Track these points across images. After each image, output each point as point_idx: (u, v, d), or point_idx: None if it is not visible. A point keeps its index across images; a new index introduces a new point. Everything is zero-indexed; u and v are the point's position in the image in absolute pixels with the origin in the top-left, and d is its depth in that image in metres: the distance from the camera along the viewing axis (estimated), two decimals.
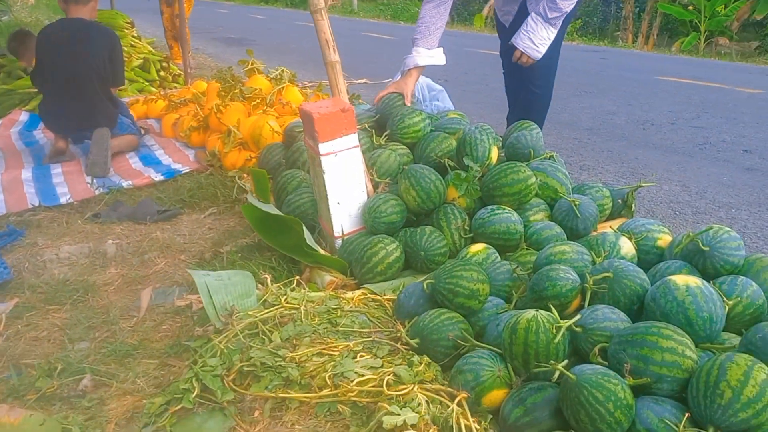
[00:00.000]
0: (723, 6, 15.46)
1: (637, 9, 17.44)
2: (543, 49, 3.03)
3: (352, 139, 2.42)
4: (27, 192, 3.31)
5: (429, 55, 3.04)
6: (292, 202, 2.67)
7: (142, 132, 4.41)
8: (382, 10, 23.54)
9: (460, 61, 8.34)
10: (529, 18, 3.03)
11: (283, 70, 4.28)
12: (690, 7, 15.81)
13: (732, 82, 7.18)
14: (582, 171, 3.67)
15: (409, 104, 3.03)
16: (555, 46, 3.14)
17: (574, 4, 2.98)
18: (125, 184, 3.50)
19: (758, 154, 4.01)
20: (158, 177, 3.65)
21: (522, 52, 3.04)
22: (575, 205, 2.36)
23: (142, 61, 6.15)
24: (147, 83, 6.05)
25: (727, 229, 1.86)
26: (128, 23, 6.40)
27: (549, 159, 2.77)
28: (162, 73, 6.34)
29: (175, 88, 6.22)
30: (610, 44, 14.87)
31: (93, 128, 3.78)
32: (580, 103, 5.74)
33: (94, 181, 3.50)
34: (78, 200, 3.26)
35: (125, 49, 6.14)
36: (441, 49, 3.08)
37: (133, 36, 6.40)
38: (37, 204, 3.12)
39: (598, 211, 2.49)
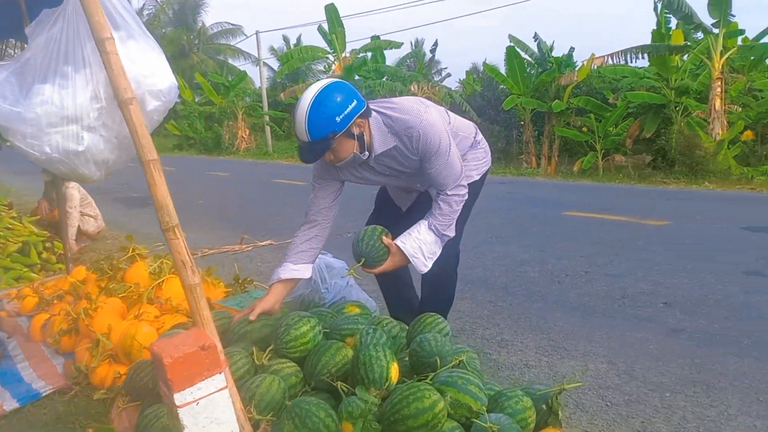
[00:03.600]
0: (614, 125, 16.50)
1: (537, 132, 18.40)
2: (431, 264, 2.75)
3: (219, 380, 1.98)
4: None
5: (293, 269, 2.77)
6: None
7: (6, 336, 3.83)
8: (297, 149, 23.92)
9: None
10: (423, 224, 2.75)
11: (162, 261, 3.85)
12: (584, 129, 16.78)
13: (637, 212, 7.30)
14: (500, 348, 3.34)
15: (254, 318, 2.67)
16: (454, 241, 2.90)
17: (460, 210, 2.78)
18: None
19: (679, 308, 3.82)
20: (13, 404, 3.07)
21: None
22: None
23: (20, 245, 5.59)
24: (27, 269, 5.46)
25: None
26: (4, 205, 5.89)
27: (459, 365, 2.42)
28: (45, 255, 5.77)
29: (60, 271, 5.66)
30: (515, 170, 15.40)
31: None
32: (492, 252, 5.56)
33: None
34: None
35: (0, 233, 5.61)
36: (310, 265, 2.83)
37: (11, 217, 5.87)
38: None
39: (520, 429, 2.11)
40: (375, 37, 21.99)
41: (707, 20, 12.51)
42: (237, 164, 19.84)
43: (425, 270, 2.76)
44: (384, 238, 2.73)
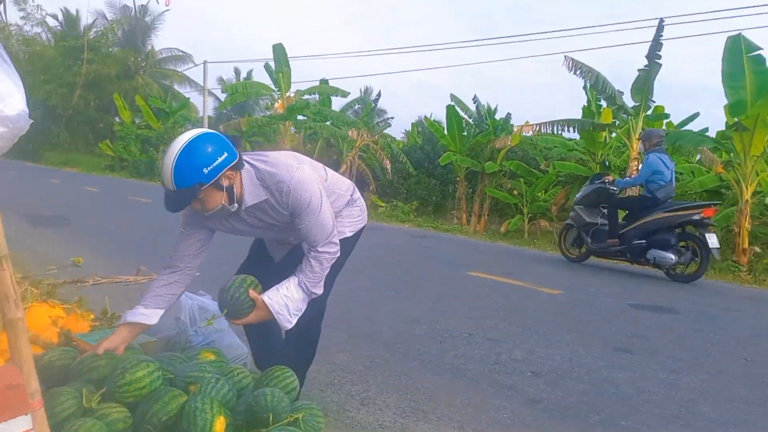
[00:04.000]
0: (543, 191, 17.10)
1: (471, 190, 18.85)
2: (295, 320, 2.78)
3: (24, 421, 1.92)
4: None
5: (142, 313, 2.76)
6: None
7: None
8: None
9: None
10: (293, 280, 2.78)
11: (27, 288, 3.72)
12: (514, 192, 17.32)
13: (538, 279, 7.52)
14: (362, 406, 3.35)
15: (101, 353, 2.65)
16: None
17: (329, 268, 2.82)
18: None
19: (543, 378, 3.93)
20: None
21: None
22: None
23: None
24: None
25: None
26: None
27: (294, 422, 2.42)
28: None
29: None
30: (444, 226, 15.65)
31: None
32: (387, 306, 5.61)
33: None
34: None
35: None
36: (160, 312, 2.81)
37: None
38: None
39: None
40: (323, 81, 22.32)
41: (631, 103, 13.21)
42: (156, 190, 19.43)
43: (289, 326, 2.78)
44: (251, 291, 2.72)
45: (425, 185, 20.48)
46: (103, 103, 32.81)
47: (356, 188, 3.21)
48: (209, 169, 2.43)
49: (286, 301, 2.72)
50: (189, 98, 33.99)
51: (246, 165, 2.66)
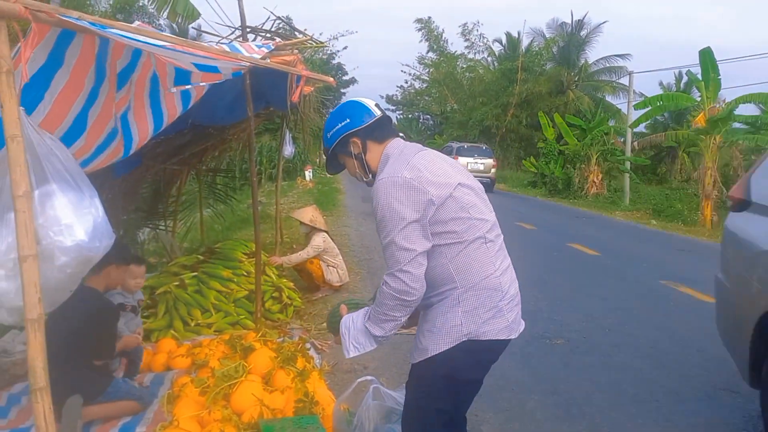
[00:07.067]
0: None
1: None
2: (353, 351, 2.43)
3: None
4: None
5: None
6: None
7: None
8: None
9: None
10: (367, 308, 2.48)
11: (240, 363, 3.82)
12: None
13: None
14: None
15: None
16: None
17: (393, 308, 2.29)
18: None
19: None
20: None
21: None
22: None
23: (247, 292, 6.14)
24: (245, 315, 5.97)
25: None
26: (245, 254, 6.64)
27: None
28: (268, 304, 6.23)
29: (279, 321, 6.07)
30: None
31: (62, 397, 3.77)
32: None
33: None
34: None
35: (234, 279, 6.28)
36: None
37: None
38: None
39: None
40: None
41: None
42: (565, 213, 19.00)
43: (347, 355, 2.45)
44: (343, 306, 2.61)
45: None
46: (534, 121, 34.19)
47: (500, 259, 2.39)
48: (330, 133, 2.51)
49: (350, 325, 2.46)
50: (620, 109, 32.77)
51: (391, 146, 2.47)
